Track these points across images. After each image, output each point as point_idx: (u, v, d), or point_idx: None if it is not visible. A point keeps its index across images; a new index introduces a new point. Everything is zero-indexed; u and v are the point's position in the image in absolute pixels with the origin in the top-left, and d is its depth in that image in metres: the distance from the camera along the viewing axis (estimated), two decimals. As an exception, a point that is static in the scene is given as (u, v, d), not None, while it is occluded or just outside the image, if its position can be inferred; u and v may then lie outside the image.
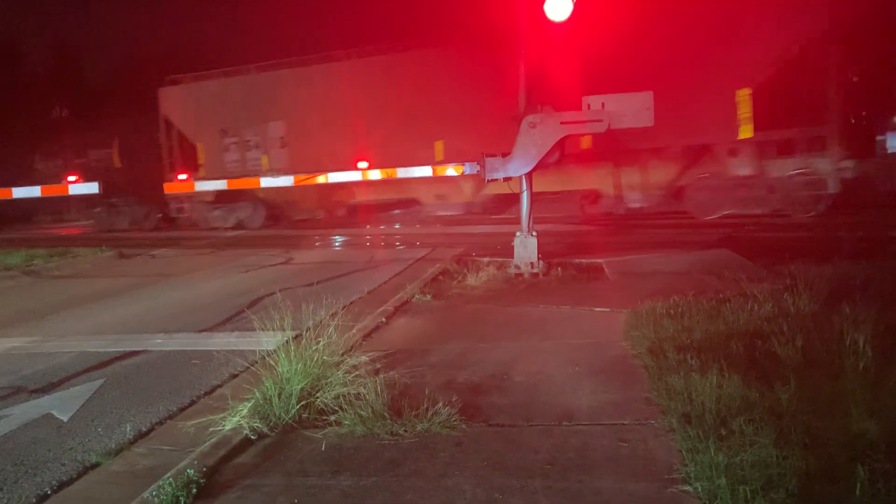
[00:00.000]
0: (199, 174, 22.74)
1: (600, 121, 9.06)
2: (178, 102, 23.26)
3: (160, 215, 24.50)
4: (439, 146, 19.18)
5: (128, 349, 6.86)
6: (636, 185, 17.79)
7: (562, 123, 9.21)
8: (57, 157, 26.61)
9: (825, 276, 6.92)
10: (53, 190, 24.08)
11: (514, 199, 19.11)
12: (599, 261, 10.48)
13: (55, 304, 9.65)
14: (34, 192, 23.97)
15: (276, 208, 22.96)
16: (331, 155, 20.28)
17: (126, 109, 26.08)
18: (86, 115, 31.01)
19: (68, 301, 9.91)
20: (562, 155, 9.63)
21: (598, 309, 7.41)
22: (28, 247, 16.00)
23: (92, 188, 24.01)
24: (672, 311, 6.40)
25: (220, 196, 22.66)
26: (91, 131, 25.75)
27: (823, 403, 3.94)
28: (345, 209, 22.67)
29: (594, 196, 18.62)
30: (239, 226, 22.51)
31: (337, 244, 16.81)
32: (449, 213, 20.84)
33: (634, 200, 17.94)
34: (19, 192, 23.74)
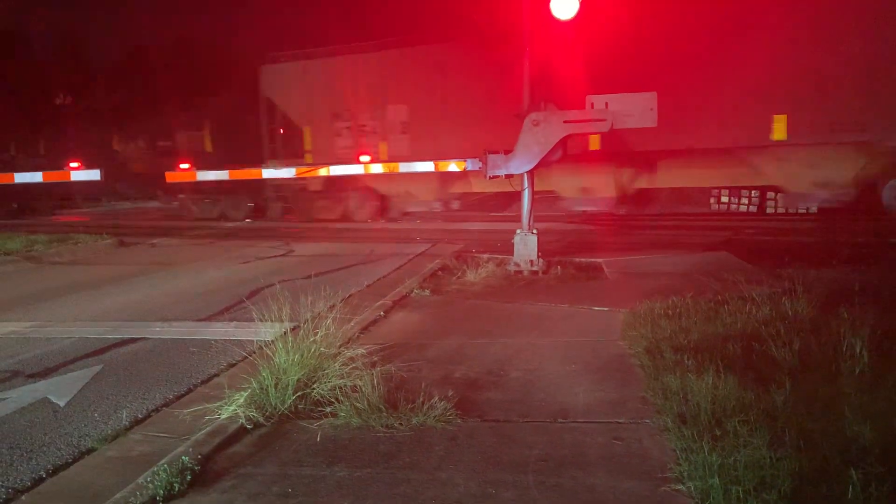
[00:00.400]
0: (305, 161, 20.79)
1: (603, 120, 9.06)
2: (282, 82, 21.44)
3: (251, 205, 23.08)
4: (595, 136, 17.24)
5: (126, 336, 6.87)
6: (827, 182, 16.21)
7: (565, 122, 9.20)
8: (138, 139, 25.06)
9: (824, 279, 6.93)
10: (55, 176, 23.88)
11: (659, 193, 18.74)
12: (599, 260, 10.49)
13: (54, 290, 9.66)
14: (36, 177, 23.79)
15: (387, 199, 21.25)
16: (457, 142, 17.43)
17: (219, 89, 24.27)
18: (174, 95, 28.60)
19: (68, 287, 9.92)
20: (564, 154, 9.63)
21: (596, 308, 7.42)
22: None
23: (93, 175, 23.70)
24: (670, 312, 6.41)
25: (328, 184, 20.79)
26: (181, 112, 24.18)
27: (818, 406, 3.95)
28: (463, 201, 20.90)
29: (773, 192, 17.43)
30: (346, 217, 21.07)
31: (338, 237, 16.81)
32: (592, 209, 18.61)
33: (821, 199, 16.61)
34: (21, 178, 23.62)
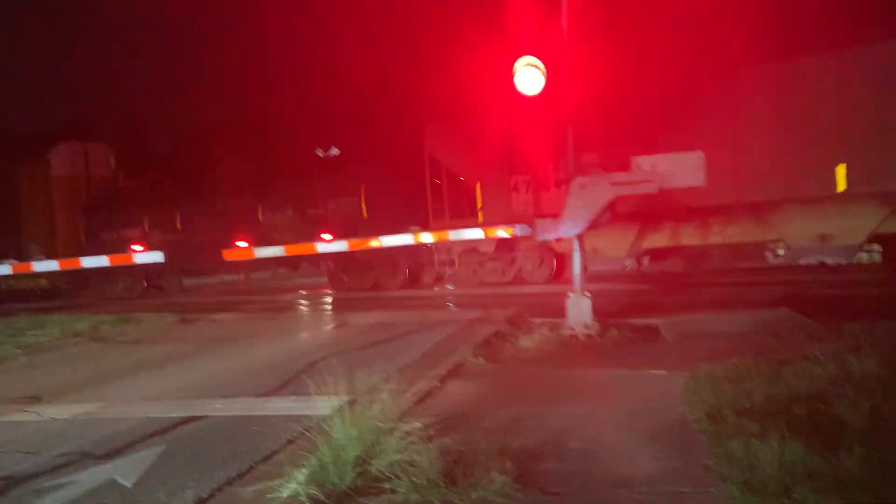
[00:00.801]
0: (477, 220, 19.59)
1: (651, 181, 9.09)
2: (449, 138, 20.28)
3: (407, 270, 22.15)
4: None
5: (189, 414, 7.02)
6: None
7: (612, 184, 9.26)
8: (286, 208, 23.65)
9: (892, 335, 6.69)
10: (119, 259, 24.64)
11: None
12: (655, 321, 10.34)
13: (120, 370, 9.96)
14: (102, 261, 24.56)
15: (565, 258, 18.81)
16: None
17: (376, 149, 23.35)
18: (324, 159, 27.42)
19: (133, 366, 10.22)
20: (613, 216, 9.65)
21: (654, 372, 7.29)
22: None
23: (157, 257, 24.16)
24: (731, 375, 6.27)
25: (500, 244, 19.66)
26: (333, 177, 23.09)
27: (892, 471, 3.79)
28: (650, 256, 19.02)
29: None
30: (519, 280, 19.89)
31: (389, 305, 16.95)
32: (833, 261, 15.71)
33: None
34: (87, 262, 24.51)
